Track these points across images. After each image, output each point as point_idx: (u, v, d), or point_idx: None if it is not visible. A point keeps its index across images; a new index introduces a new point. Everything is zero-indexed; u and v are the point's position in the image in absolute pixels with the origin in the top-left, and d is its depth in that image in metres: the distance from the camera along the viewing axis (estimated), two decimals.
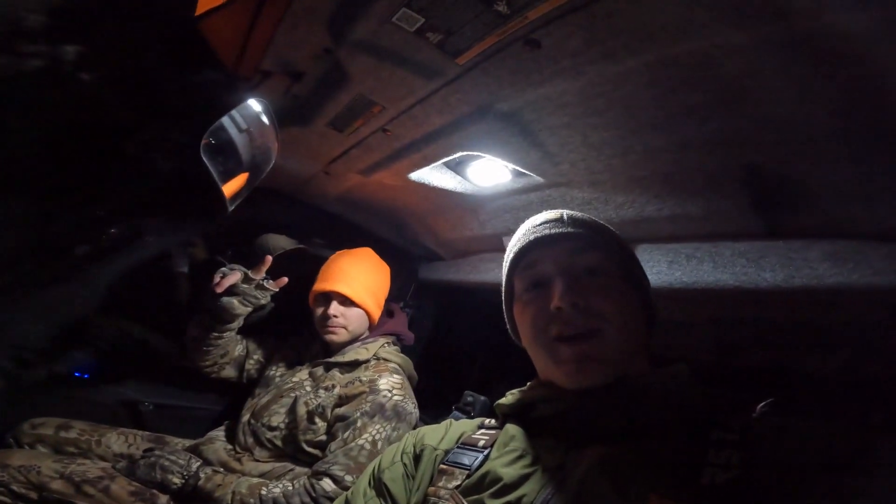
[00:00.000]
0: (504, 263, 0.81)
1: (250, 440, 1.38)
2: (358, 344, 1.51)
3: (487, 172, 1.26)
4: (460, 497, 0.64)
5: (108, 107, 0.88)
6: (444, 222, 1.68)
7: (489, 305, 2.07)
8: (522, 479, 0.62)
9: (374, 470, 0.79)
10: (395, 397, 1.33)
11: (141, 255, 1.45)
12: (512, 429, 0.72)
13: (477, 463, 0.69)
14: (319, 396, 1.37)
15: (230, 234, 1.91)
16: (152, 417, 1.61)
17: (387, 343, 1.53)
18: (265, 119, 1.01)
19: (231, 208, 1.05)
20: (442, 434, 0.80)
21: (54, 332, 1.44)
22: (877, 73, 0.58)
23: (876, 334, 1.06)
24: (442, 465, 0.72)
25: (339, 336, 1.47)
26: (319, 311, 1.48)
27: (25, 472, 1.16)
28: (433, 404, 1.65)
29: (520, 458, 0.65)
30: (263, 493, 1.16)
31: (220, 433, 1.49)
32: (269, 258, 1.50)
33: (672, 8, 0.54)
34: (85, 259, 1.34)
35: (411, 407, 1.35)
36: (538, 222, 0.76)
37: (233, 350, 1.58)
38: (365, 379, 1.37)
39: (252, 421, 1.41)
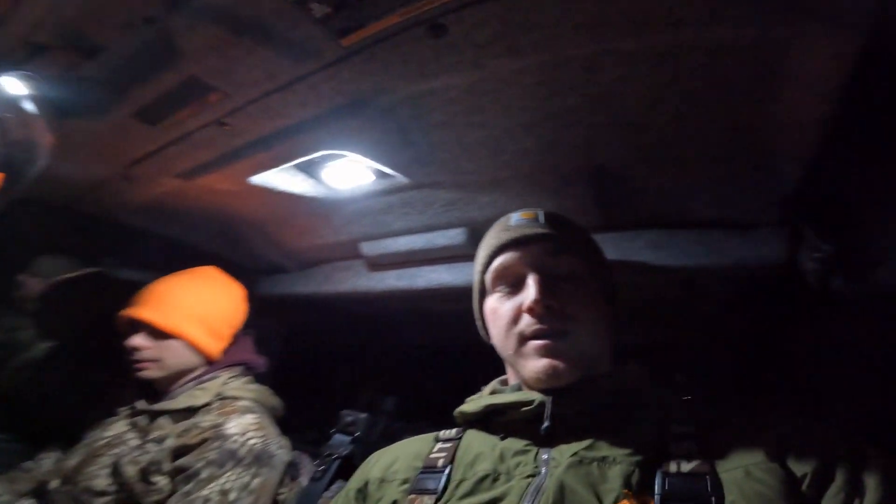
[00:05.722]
0: (476, 260, 0.81)
1: None
2: (192, 384, 1.25)
3: (346, 173, 1.14)
4: None
5: None
6: (289, 230, 1.49)
7: (345, 316, 1.96)
8: (497, 501, 0.60)
9: None
10: (251, 440, 1.13)
11: None
12: (475, 441, 0.71)
13: (441, 485, 0.66)
14: (149, 451, 1.11)
15: None
16: None
17: (231, 377, 1.29)
18: (28, 106, 0.70)
19: None
20: (391, 460, 0.76)
21: None
22: (717, 87, 0.69)
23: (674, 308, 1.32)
24: (410, 496, 0.67)
25: (150, 372, 1.22)
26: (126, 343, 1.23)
27: None
28: (303, 428, 1.48)
29: (489, 478, 0.63)
30: None
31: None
32: None
33: (589, 7, 0.54)
34: None
35: (275, 448, 1.17)
36: (513, 221, 0.76)
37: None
38: (206, 424, 1.14)
39: (68, 487, 1.10)
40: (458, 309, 1.84)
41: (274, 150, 0.91)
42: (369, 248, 1.43)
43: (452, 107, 0.79)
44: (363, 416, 1.37)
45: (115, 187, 1.17)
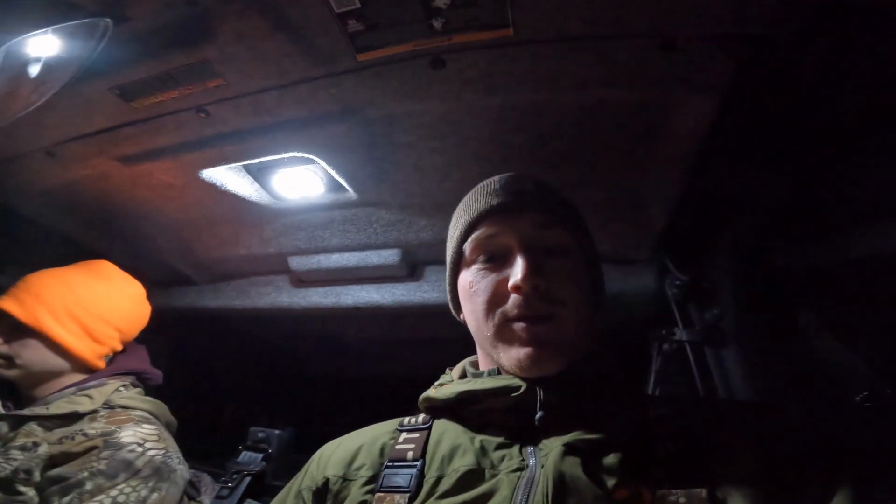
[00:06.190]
0: (452, 226, 0.74)
1: None
2: (72, 390, 1.11)
3: (296, 183, 1.20)
4: None
5: None
6: (210, 239, 1.44)
7: (248, 337, 1.86)
8: (486, 498, 0.56)
9: None
10: (151, 451, 1.03)
11: None
12: (448, 432, 0.65)
13: (414, 483, 0.60)
14: (14, 459, 0.98)
15: None
16: None
17: (122, 386, 1.17)
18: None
19: None
20: (349, 454, 0.69)
21: None
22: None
23: None
24: (378, 494, 0.61)
25: (1, 370, 1.10)
26: None
27: None
28: (195, 453, 1.36)
29: (473, 475, 0.58)
30: None
31: None
32: None
33: (552, 65, 0.73)
34: None
35: (176, 463, 1.07)
36: (501, 184, 0.69)
37: None
38: (94, 432, 1.02)
39: None
40: (374, 337, 1.89)
41: (244, 145, 0.95)
42: (298, 263, 1.45)
43: (420, 130, 0.94)
44: (276, 432, 1.33)
45: (28, 165, 1.06)
